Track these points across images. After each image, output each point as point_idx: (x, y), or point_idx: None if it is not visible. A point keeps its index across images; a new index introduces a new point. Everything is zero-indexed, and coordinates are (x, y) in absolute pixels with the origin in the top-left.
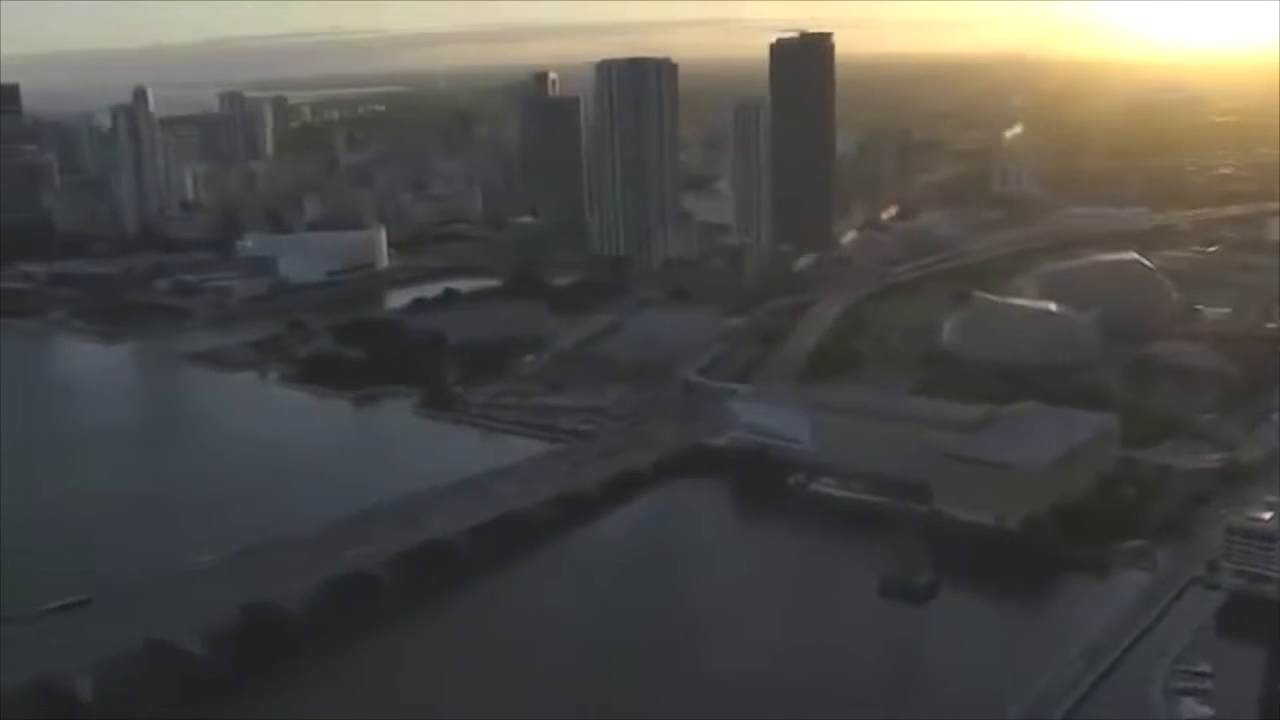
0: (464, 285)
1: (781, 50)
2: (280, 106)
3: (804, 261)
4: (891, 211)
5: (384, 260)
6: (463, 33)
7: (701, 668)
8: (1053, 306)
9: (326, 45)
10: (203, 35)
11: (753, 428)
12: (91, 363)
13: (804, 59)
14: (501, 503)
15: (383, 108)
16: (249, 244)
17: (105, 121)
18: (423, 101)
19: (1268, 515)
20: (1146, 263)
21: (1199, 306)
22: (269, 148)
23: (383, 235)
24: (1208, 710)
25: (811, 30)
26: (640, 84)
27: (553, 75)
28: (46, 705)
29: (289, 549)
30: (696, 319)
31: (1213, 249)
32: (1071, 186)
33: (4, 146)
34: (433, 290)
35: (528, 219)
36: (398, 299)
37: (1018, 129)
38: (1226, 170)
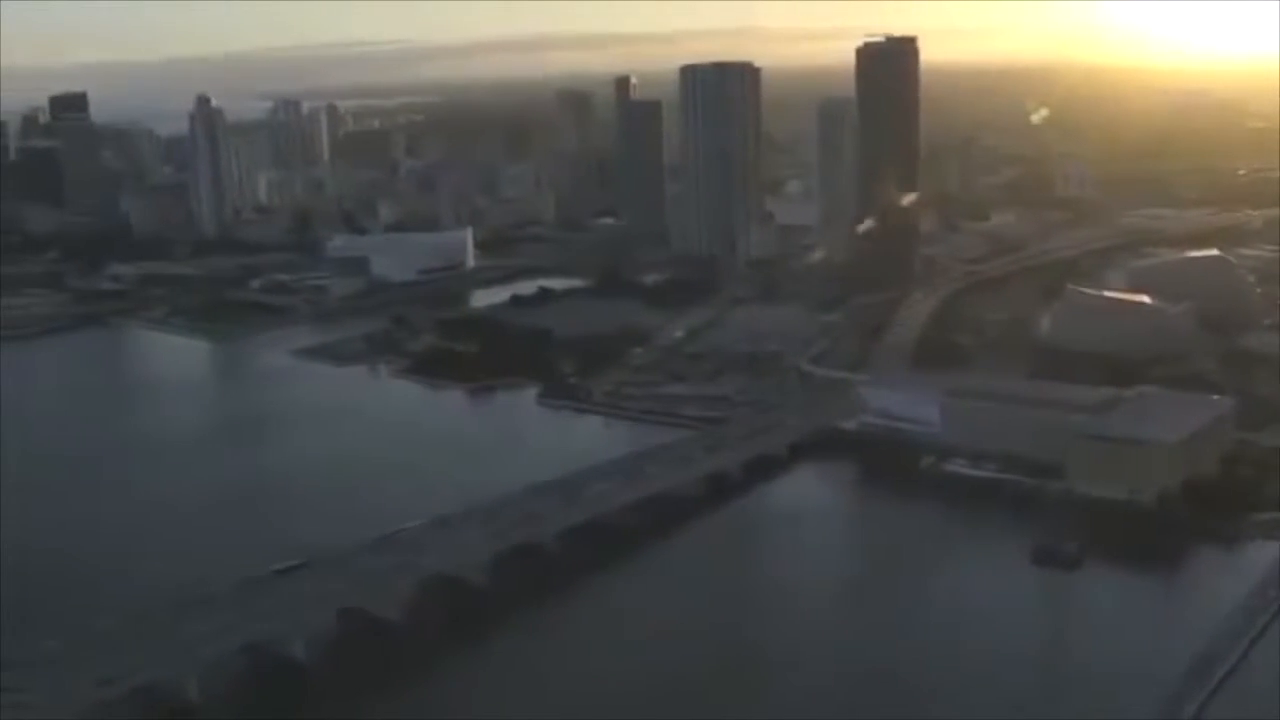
0: (554, 284)
1: (867, 54)
2: (334, 115)
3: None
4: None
5: (471, 260)
6: (488, 43)
7: (887, 623)
8: (1146, 299)
9: (349, 56)
10: (220, 48)
11: (882, 412)
12: (211, 359)
13: (890, 63)
14: (650, 482)
15: (422, 117)
16: (339, 244)
17: (167, 129)
18: (462, 110)
19: None
20: (1230, 259)
21: None
22: (325, 154)
23: (469, 236)
24: None
25: (896, 34)
26: (723, 87)
27: (634, 79)
28: (263, 666)
29: (461, 525)
30: (793, 314)
31: None
32: (1124, 190)
33: (81, 151)
34: (527, 288)
35: (609, 220)
36: (491, 297)
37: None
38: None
